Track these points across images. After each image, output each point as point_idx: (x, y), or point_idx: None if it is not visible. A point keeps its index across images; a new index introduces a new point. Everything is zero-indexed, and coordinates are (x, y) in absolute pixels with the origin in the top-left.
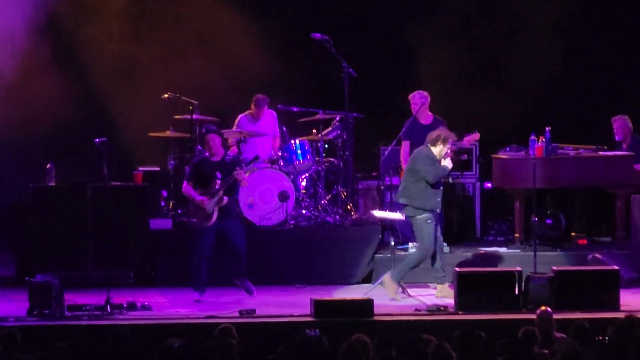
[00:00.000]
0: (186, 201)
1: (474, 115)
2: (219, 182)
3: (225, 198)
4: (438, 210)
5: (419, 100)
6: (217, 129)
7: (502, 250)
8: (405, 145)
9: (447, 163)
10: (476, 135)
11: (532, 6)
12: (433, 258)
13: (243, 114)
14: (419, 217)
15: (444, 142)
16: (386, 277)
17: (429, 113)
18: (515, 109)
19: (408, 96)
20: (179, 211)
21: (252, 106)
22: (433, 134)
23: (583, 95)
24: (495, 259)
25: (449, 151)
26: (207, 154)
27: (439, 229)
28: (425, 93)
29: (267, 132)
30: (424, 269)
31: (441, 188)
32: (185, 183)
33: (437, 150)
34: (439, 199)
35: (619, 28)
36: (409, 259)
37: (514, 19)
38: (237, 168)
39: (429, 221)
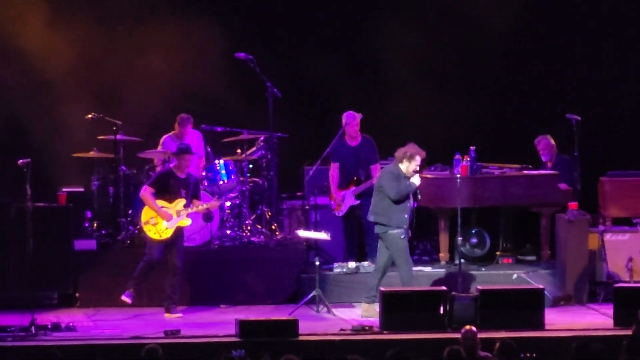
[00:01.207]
0: (110, 222)
1: (399, 135)
2: (185, 201)
3: (190, 221)
4: (405, 226)
5: (344, 120)
6: (191, 149)
7: (427, 269)
8: (334, 167)
9: (416, 180)
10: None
11: (455, 28)
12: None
13: (168, 134)
14: (390, 232)
15: (410, 158)
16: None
17: (358, 133)
18: (439, 128)
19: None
20: (103, 232)
21: (176, 126)
22: (400, 151)
23: (507, 114)
24: (420, 278)
25: (417, 168)
26: (172, 165)
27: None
28: (353, 114)
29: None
30: (350, 287)
31: (408, 205)
32: (146, 187)
33: (404, 167)
34: (406, 216)
35: (542, 50)
36: (403, 280)
37: (437, 39)
38: (214, 199)
39: (402, 236)
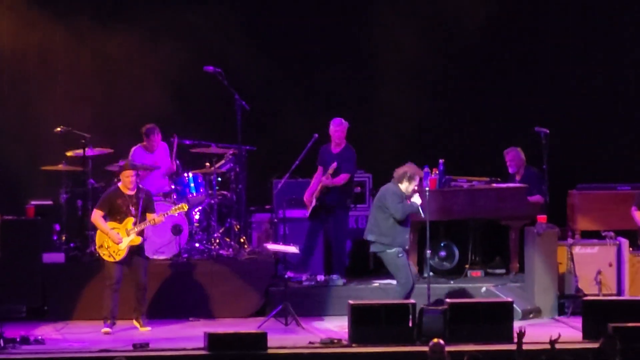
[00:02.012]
0: (79, 235)
1: (367, 148)
2: (134, 220)
3: (140, 239)
4: (407, 246)
5: (331, 128)
6: (133, 164)
7: (396, 282)
8: (319, 171)
9: (416, 199)
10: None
11: (422, 39)
12: None
13: (137, 146)
14: (389, 251)
15: (410, 179)
16: None
17: (343, 140)
18: (408, 141)
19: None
20: (72, 245)
21: (145, 137)
22: (399, 171)
23: (476, 127)
24: (389, 291)
25: (416, 187)
26: (119, 184)
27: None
28: (340, 120)
29: (160, 164)
30: (319, 300)
31: (409, 225)
32: (95, 210)
33: (404, 187)
34: (407, 236)
35: (511, 61)
36: (393, 295)
37: (406, 50)
38: (161, 213)
39: (400, 255)
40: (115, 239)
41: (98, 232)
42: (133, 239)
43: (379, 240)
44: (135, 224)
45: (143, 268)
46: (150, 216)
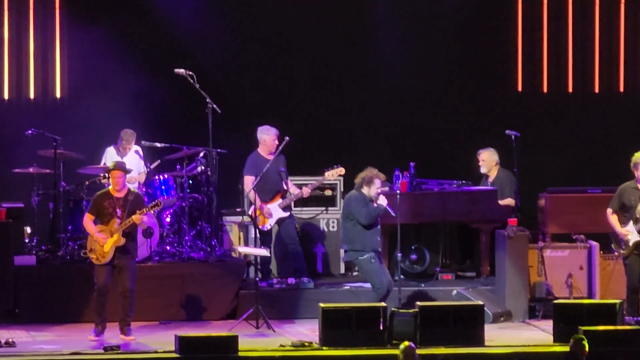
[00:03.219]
0: (50, 237)
1: (338, 150)
2: (118, 221)
3: (123, 239)
4: (380, 249)
5: (271, 133)
6: (123, 166)
7: (367, 285)
8: (251, 180)
9: (382, 201)
10: (340, 170)
11: (397, 43)
12: None
13: (110, 147)
14: (361, 258)
15: (369, 183)
16: None
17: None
18: (379, 144)
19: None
20: (43, 247)
21: (121, 140)
22: (358, 177)
23: (447, 130)
24: (360, 294)
25: (378, 190)
26: (108, 186)
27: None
28: (274, 128)
29: (132, 167)
30: (290, 303)
31: (379, 227)
32: (86, 215)
33: (366, 191)
34: (378, 238)
35: (480, 64)
36: (365, 299)
37: (378, 54)
38: (137, 212)
39: (372, 260)
40: (100, 240)
41: (89, 236)
42: (116, 239)
43: (351, 247)
44: (118, 225)
45: (129, 272)
46: (133, 216)
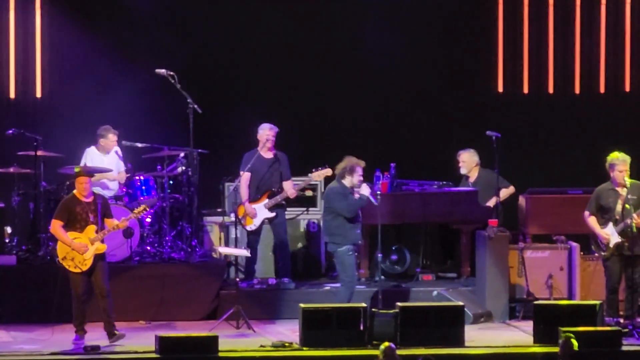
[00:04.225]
0: (30, 238)
1: (321, 151)
2: (96, 227)
3: (105, 246)
4: (360, 242)
5: (266, 132)
6: (89, 170)
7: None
8: (246, 178)
9: (364, 190)
10: (327, 170)
11: (377, 45)
12: None
13: (90, 147)
14: (339, 249)
15: (351, 171)
16: None
17: (273, 147)
18: (359, 144)
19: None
20: (23, 247)
21: (102, 140)
22: (339, 167)
23: (428, 131)
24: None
25: (361, 178)
26: (74, 191)
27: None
28: (272, 125)
29: (112, 167)
30: (270, 304)
31: (360, 220)
32: (53, 221)
33: (348, 181)
34: (359, 231)
35: (461, 65)
36: (339, 297)
37: (358, 55)
38: (123, 217)
39: (350, 253)
40: (80, 249)
41: (59, 243)
42: (98, 247)
43: (332, 240)
44: (97, 231)
45: (102, 272)
46: (111, 222)
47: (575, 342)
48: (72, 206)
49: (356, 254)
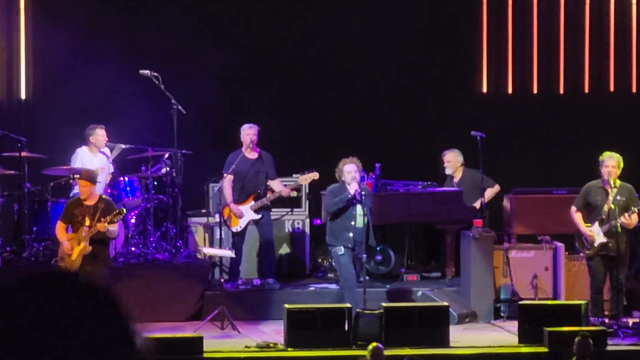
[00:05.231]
0: (15, 239)
1: (305, 151)
2: (86, 229)
3: (90, 247)
4: (350, 245)
5: (250, 132)
6: (88, 175)
7: (332, 286)
8: (229, 180)
9: (350, 188)
10: (315, 174)
11: (361, 44)
12: None
13: (81, 147)
14: (332, 250)
15: (341, 173)
16: None
17: (256, 147)
18: (344, 144)
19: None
20: (8, 249)
21: (92, 138)
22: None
23: (412, 131)
24: (325, 295)
25: (356, 175)
26: (75, 184)
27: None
28: (254, 125)
29: (102, 166)
30: (255, 304)
31: (352, 223)
32: (57, 223)
33: (344, 179)
34: (350, 234)
35: (445, 66)
36: (338, 297)
37: (342, 56)
38: (101, 219)
39: (341, 253)
40: (67, 250)
41: (60, 244)
42: (82, 247)
43: (328, 240)
44: (86, 232)
45: (97, 279)
46: (100, 225)
47: (591, 342)
48: (72, 208)
49: (358, 255)
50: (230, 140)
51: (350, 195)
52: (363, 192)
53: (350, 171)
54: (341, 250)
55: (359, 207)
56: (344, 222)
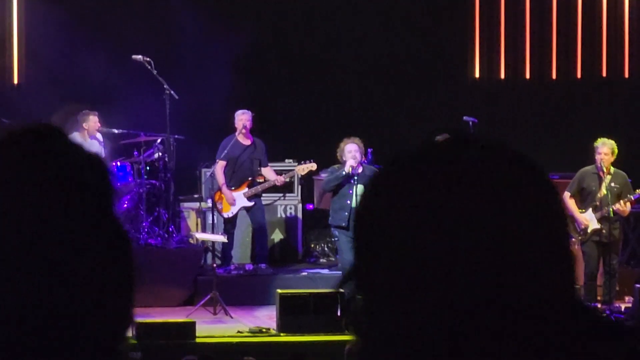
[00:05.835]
0: None
1: (298, 138)
2: None
3: None
4: (344, 224)
5: (244, 118)
6: None
7: (324, 271)
8: (221, 165)
9: (345, 166)
10: (312, 165)
11: (352, 28)
12: None
13: (74, 133)
14: (332, 230)
15: (342, 152)
16: None
17: (250, 134)
18: (337, 129)
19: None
20: None
21: (85, 124)
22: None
23: (404, 116)
24: (318, 280)
25: (357, 153)
26: None
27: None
28: (248, 111)
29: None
30: (247, 289)
31: (349, 202)
32: None
33: (345, 158)
34: (346, 213)
35: (438, 51)
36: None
37: (334, 42)
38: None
39: (335, 236)
40: None
41: None
42: None
43: (329, 221)
44: None
45: None
46: None
47: None
48: None
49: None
50: (223, 126)
51: (344, 172)
52: (367, 173)
53: (350, 150)
54: (335, 232)
55: (359, 187)
56: (340, 201)
